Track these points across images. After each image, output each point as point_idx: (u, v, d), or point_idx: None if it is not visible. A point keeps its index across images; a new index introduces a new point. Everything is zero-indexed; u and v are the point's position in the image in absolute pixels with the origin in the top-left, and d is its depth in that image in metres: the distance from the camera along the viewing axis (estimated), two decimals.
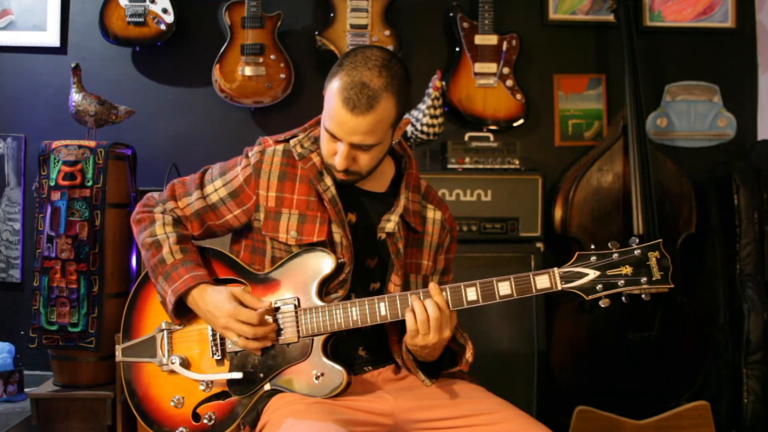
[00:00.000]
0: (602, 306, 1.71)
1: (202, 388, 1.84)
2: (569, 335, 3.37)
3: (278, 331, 1.81)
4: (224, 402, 1.83)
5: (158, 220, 1.90)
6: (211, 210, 1.91)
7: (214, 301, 1.79)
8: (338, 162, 1.78)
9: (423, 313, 1.71)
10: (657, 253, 1.69)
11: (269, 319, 1.79)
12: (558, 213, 3.55)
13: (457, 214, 3.20)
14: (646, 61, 3.82)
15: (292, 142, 1.90)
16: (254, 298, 1.81)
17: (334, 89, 1.73)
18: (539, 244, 3.30)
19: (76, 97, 3.23)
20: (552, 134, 3.89)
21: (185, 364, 1.86)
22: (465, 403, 1.79)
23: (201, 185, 1.93)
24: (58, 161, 3.06)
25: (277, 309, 1.81)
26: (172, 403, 1.86)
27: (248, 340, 1.77)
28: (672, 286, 1.68)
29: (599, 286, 1.70)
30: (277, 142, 1.91)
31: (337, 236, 1.84)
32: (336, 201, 1.85)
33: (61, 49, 3.71)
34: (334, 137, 1.77)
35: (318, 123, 1.93)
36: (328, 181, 1.86)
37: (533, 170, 3.39)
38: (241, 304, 1.79)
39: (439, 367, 1.86)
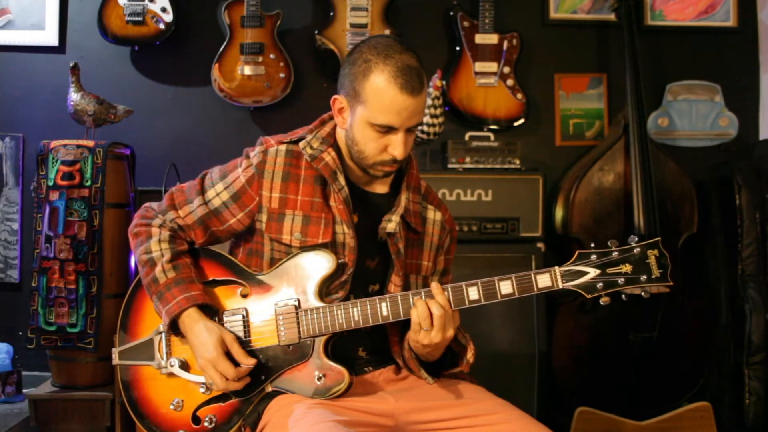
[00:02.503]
0: (602, 304, 1.72)
1: (202, 390, 1.83)
2: (570, 336, 3.36)
3: (279, 332, 1.80)
4: (225, 404, 1.82)
5: (155, 235, 1.87)
6: (214, 215, 1.89)
7: (202, 338, 1.77)
8: (401, 152, 1.78)
9: (425, 310, 1.71)
10: (656, 251, 1.70)
11: (254, 362, 1.79)
12: (559, 213, 3.55)
13: (457, 214, 3.21)
14: (648, 61, 3.81)
15: (301, 144, 1.88)
16: (243, 352, 1.78)
17: (380, 83, 1.73)
18: (540, 245, 3.29)
19: (74, 96, 3.21)
20: (553, 134, 3.88)
21: (184, 366, 1.84)
22: (466, 404, 1.79)
23: (202, 191, 1.90)
24: (56, 161, 3.04)
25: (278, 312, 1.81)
26: (171, 407, 1.84)
27: (220, 389, 1.79)
28: (671, 284, 1.70)
29: (600, 285, 1.71)
30: (281, 142, 1.89)
31: (341, 237, 1.83)
32: (349, 201, 1.84)
33: (60, 49, 3.71)
34: (389, 129, 1.77)
35: (323, 123, 1.92)
36: (342, 180, 1.85)
37: (534, 170, 3.38)
38: (228, 353, 1.77)
39: (440, 366, 1.86)
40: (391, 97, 1.72)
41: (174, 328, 1.83)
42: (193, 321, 1.79)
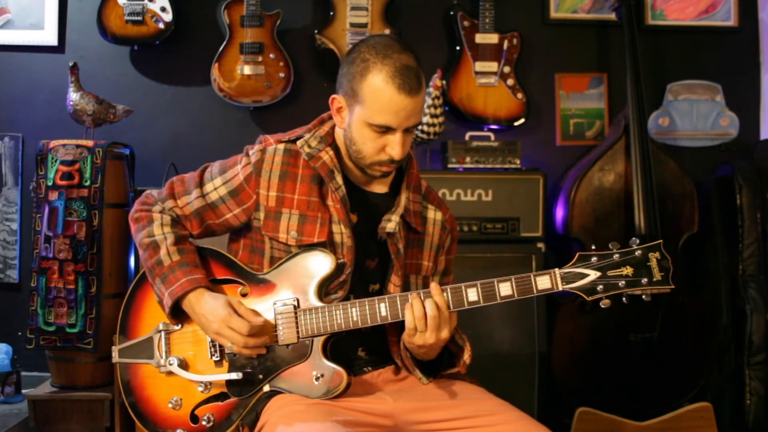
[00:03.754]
0: (603, 306, 1.71)
1: (200, 389, 1.83)
2: (570, 336, 3.35)
3: (277, 332, 1.79)
4: (223, 403, 1.81)
5: (156, 219, 1.88)
6: (210, 209, 1.89)
7: (210, 306, 1.78)
8: (398, 152, 1.77)
9: (420, 310, 1.70)
10: (657, 254, 1.69)
11: (263, 320, 1.78)
12: (559, 213, 3.54)
13: (457, 214, 3.18)
14: (648, 60, 3.80)
15: (299, 143, 1.88)
16: (250, 310, 1.79)
17: (378, 83, 1.73)
18: (540, 245, 3.28)
19: (73, 96, 3.21)
20: (553, 134, 3.87)
21: (183, 365, 1.84)
22: (465, 405, 1.78)
23: (200, 183, 1.91)
24: (55, 161, 3.04)
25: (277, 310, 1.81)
26: (170, 405, 1.84)
27: (241, 348, 1.77)
28: (672, 287, 1.69)
29: (600, 287, 1.69)
30: (279, 141, 1.89)
31: (338, 237, 1.83)
32: (346, 200, 1.84)
33: (59, 48, 3.70)
34: (387, 130, 1.76)
35: (322, 122, 1.92)
36: (339, 179, 1.85)
37: (534, 170, 3.37)
38: (236, 312, 1.77)
39: (437, 366, 1.86)
40: (389, 98, 1.72)
41: (175, 311, 1.82)
42: (199, 296, 1.79)
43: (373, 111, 1.75)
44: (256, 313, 1.79)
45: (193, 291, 1.79)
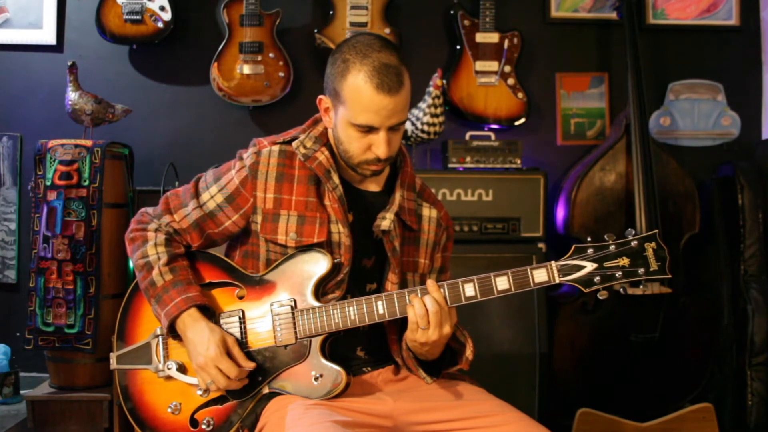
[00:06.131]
0: (600, 298, 1.72)
1: (199, 393, 1.82)
2: (571, 337, 3.35)
3: (275, 333, 1.79)
4: (222, 406, 1.81)
5: (150, 239, 1.87)
6: (209, 218, 1.88)
7: (203, 338, 1.76)
8: (383, 151, 1.76)
9: (422, 308, 1.70)
10: (653, 244, 1.70)
11: (254, 365, 1.78)
12: (560, 213, 3.53)
13: (458, 214, 3.20)
14: (650, 60, 3.79)
15: (294, 144, 1.87)
16: (243, 355, 1.78)
17: (357, 82, 1.72)
18: (541, 245, 3.27)
19: (72, 95, 3.20)
20: (554, 133, 3.86)
21: (182, 369, 1.83)
22: (466, 405, 1.78)
23: (196, 194, 1.90)
24: (54, 160, 3.03)
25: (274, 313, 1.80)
26: (169, 410, 1.83)
27: (220, 387, 1.76)
28: (669, 276, 1.68)
29: (597, 278, 1.70)
30: (274, 143, 1.88)
31: (336, 236, 1.82)
32: (344, 200, 1.84)
33: (58, 47, 3.69)
34: (370, 129, 1.75)
35: (315, 122, 1.92)
36: (336, 179, 1.84)
37: (535, 170, 3.36)
38: (228, 353, 1.76)
39: (439, 365, 1.85)
40: (369, 97, 1.71)
41: (173, 331, 1.82)
42: (194, 320, 1.78)
43: (355, 111, 1.74)
44: (248, 359, 1.78)
45: (187, 310, 1.78)
